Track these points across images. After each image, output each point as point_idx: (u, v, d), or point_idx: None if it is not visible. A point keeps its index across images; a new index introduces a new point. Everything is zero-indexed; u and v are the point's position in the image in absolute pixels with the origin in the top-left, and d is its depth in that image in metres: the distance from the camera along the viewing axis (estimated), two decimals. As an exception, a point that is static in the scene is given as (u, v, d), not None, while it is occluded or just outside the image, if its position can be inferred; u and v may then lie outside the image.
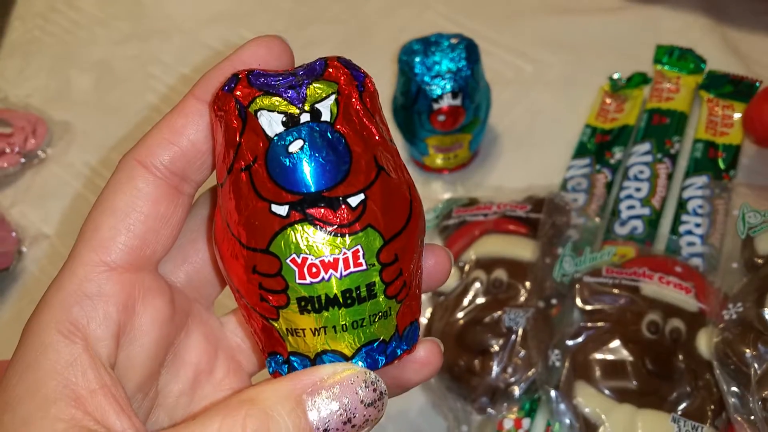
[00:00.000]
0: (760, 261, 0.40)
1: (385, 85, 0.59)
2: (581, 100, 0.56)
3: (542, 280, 0.44)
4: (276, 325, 0.22)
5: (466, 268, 0.45)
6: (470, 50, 0.47)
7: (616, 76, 0.56)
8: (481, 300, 0.44)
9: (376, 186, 0.21)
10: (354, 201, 0.20)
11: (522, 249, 0.45)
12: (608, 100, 0.55)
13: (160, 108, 0.63)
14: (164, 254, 0.23)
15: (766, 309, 0.37)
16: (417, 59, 0.47)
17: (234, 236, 0.21)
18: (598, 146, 0.52)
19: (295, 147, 0.20)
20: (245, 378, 0.26)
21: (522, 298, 0.43)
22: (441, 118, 0.48)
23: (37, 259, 0.54)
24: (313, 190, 0.20)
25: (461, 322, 0.43)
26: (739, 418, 0.36)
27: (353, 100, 0.21)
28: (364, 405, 0.20)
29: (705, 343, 0.39)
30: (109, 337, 0.21)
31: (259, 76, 0.21)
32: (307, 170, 0.20)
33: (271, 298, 0.21)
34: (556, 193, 0.48)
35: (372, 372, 0.21)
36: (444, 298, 0.45)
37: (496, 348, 0.42)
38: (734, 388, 0.37)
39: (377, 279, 0.21)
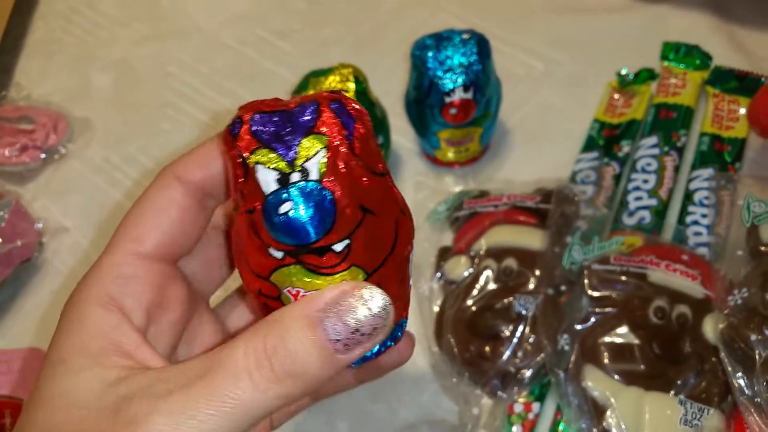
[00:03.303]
0: (764, 248, 0.41)
1: (397, 83, 0.60)
2: (590, 96, 0.57)
3: (551, 268, 0.44)
4: None
5: (477, 257, 0.46)
6: (481, 45, 0.48)
7: (623, 71, 0.57)
8: (491, 287, 0.44)
9: (359, 230, 0.23)
10: (339, 247, 0.23)
11: (531, 238, 0.46)
12: (616, 96, 0.56)
13: (178, 105, 0.64)
14: (186, 253, 0.28)
15: (770, 294, 0.38)
16: (429, 54, 0.48)
17: (245, 260, 0.25)
18: (607, 140, 0.53)
19: (284, 208, 0.22)
20: None
21: (532, 286, 0.44)
22: (453, 111, 0.49)
23: (58, 251, 0.56)
24: (301, 243, 0.23)
25: (472, 308, 0.44)
26: (744, 401, 0.37)
27: (341, 152, 0.23)
28: (369, 316, 0.22)
29: (711, 328, 0.40)
30: (142, 311, 0.25)
31: (258, 122, 0.23)
32: (296, 228, 0.23)
33: None
34: (565, 184, 0.49)
35: (373, 287, 0.23)
36: (456, 286, 0.46)
37: (507, 333, 0.42)
38: (739, 372, 0.37)
39: None
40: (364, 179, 0.23)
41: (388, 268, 0.25)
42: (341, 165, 0.23)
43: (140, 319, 0.25)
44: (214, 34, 0.69)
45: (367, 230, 0.24)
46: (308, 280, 0.24)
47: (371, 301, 0.23)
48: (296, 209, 0.22)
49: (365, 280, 0.24)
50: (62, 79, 0.68)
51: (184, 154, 0.27)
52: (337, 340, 0.22)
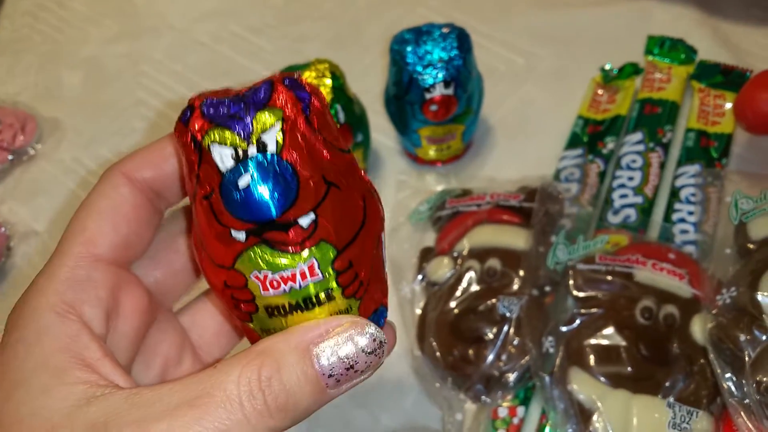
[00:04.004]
0: (752, 246, 0.40)
1: (376, 80, 0.59)
2: (573, 91, 0.56)
3: (536, 269, 0.44)
4: (251, 325, 0.25)
5: (460, 258, 0.45)
6: (462, 39, 0.47)
7: (607, 66, 0.56)
8: (475, 289, 0.43)
9: (325, 203, 0.22)
10: (305, 221, 0.22)
11: (515, 238, 0.45)
12: (600, 91, 0.56)
13: (151, 104, 0.62)
14: (139, 257, 0.26)
15: (759, 293, 0.37)
16: (408, 49, 0.47)
17: (207, 253, 0.24)
18: (591, 136, 0.53)
19: (243, 182, 0.22)
20: None
21: (516, 287, 0.43)
22: (433, 107, 0.48)
23: (27, 255, 0.54)
24: (265, 218, 0.22)
25: (455, 311, 0.43)
26: (733, 403, 0.36)
27: (299, 124, 0.22)
28: (365, 353, 0.22)
29: (699, 328, 0.39)
30: (101, 317, 0.24)
31: (210, 106, 0.22)
32: (258, 202, 0.22)
33: (242, 306, 0.24)
34: (548, 182, 0.48)
35: (372, 324, 0.22)
36: (438, 288, 0.45)
37: (491, 336, 0.41)
38: (729, 373, 0.37)
39: (334, 285, 0.23)
40: (325, 152, 0.23)
41: (360, 247, 0.24)
42: (299, 137, 0.22)
43: (100, 327, 0.24)
44: (188, 30, 0.68)
45: (333, 204, 0.23)
46: (274, 260, 0.22)
47: (368, 338, 0.22)
48: (256, 182, 0.22)
49: (336, 257, 0.23)
50: (30, 78, 0.66)
51: (133, 152, 0.26)
52: (331, 376, 0.22)
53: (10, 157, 0.59)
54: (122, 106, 0.63)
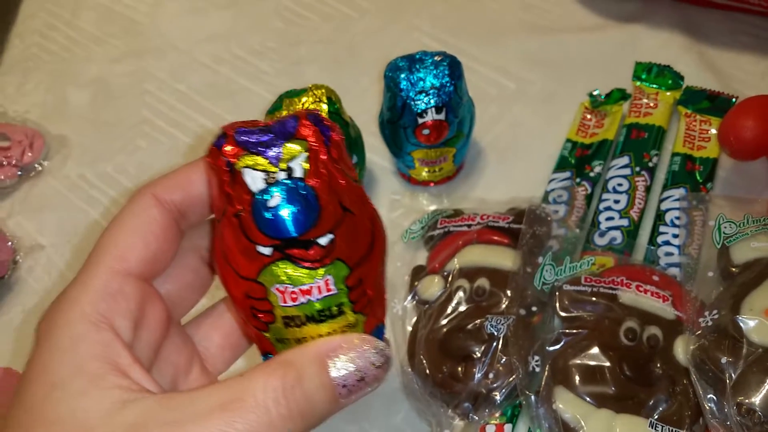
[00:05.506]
0: (735, 269, 0.41)
1: (372, 102, 0.60)
2: (562, 115, 0.58)
3: (523, 289, 0.44)
4: (267, 335, 0.27)
5: (450, 277, 0.46)
6: (453, 67, 0.48)
7: (595, 92, 0.57)
8: (463, 308, 0.44)
9: (342, 226, 0.25)
10: (323, 240, 0.25)
11: (504, 258, 0.46)
12: (588, 116, 0.57)
13: (155, 122, 0.64)
14: (161, 273, 0.28)
15: (740, 316, 0.38)
16: (402, 75, 0.48)
17: (231, 266, 0.26)
18: (579, 160, 0.54)
19: (273, 202, 0.25)
20: (214, 379, 0.31)
21: (503, 306, 0.44)
22: (426, 132, 0.49)
23: (32, 269, 0.55)
24: (290, 236, 0.25)
25: (445, 329, 0.44)
26: (715, 423, 0.36)
27: (321, 154, 0.25)
28: (374, 366, 0.25)
29: (682, 349, 0.40)
30: (129, 328, 0.26)
31: (242, 134, 0.25)
32: (284, 221, 0.25)
33: (261, 315, 0.27)
34: (536, 205, 0.49)
35: (380, 341, 0.25)
36: (428, 306, 0.46)
37: (479, 354, 0.42)
38: (711, 394, 0.37)
39: (345, 299, 0.26)
40: (342, 181, 0.25)
41: (369, 267, 0.27)
42: (321, 166, 0.25)
43: (128, 337, 0.25)
44: (191, 51, 0.69)
45: (348, 226, 0.26)
46: (296, 274, 0.25)
47: (377, 353, 0.25)
48: (284, 203, 0.24)
49: (348, 274, 0.26)
50: (39, 96, 0.68)
51: (163, 176, 0.28)
52: (344, 386, 0.24)
53: (18, 172, 0.61)
54: (127, 124, 0.64)
